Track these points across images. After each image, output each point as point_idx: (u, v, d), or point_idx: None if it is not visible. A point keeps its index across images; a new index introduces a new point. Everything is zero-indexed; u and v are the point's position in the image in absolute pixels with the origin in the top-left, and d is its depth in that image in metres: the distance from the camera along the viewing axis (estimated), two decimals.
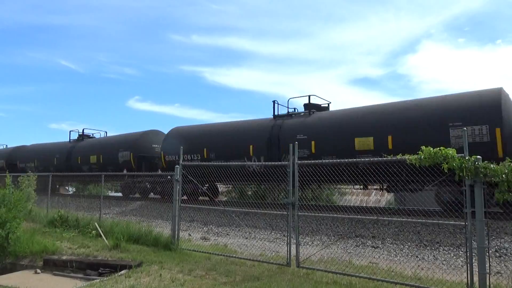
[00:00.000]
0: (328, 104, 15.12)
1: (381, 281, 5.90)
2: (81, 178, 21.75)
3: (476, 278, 5.09)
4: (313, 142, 12.85)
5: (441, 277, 6.07)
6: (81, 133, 24.47)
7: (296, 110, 15.23)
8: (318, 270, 6.62)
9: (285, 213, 7.49)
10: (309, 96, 14.75)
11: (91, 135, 24.77)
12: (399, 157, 5.89)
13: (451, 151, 5.27)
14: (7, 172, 11.73)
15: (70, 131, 24.81)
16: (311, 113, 14.22)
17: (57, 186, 25.91)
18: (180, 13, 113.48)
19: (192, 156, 16.25)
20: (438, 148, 5.37)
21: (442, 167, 5.29)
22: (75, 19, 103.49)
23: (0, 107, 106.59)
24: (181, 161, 9.16)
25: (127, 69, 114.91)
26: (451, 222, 6.45)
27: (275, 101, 15.11)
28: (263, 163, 11.00)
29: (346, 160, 7.05)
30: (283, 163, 7.54)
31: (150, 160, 19.36)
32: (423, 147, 5.54)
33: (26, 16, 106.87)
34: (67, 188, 28.60)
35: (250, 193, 18.81)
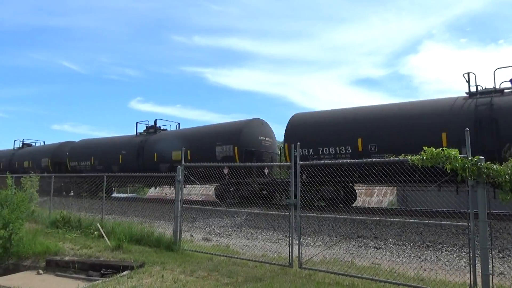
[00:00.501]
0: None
1: (383, 282, 5.88)
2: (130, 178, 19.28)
3: (479, 279, 5.07)
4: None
5: (443, 278, 6.05)
6: (152, 125, 20.62)
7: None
8: (320, 271, 6.61)
9: (287, 213, 7.49)
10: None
11: (160, 128, 20.89)
12: (401, 157, 5.87)
13: (454, 152, 5.25)
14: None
15: (136, 123, 21.09)
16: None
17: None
18: (181, 15, 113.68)
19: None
20: (441, 149, 5.35)
21: (445, 168, 5.28)
22: (77, 21, 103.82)
23: (3, 108, 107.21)
24: (182, 161, 9.16)
25: (129, 70, 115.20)
26: (453, 223, 6.43)
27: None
28: (265, 163, 11.01)
29: (348, 160, 7.04)
30: (285, 163, 7.53)
31: (258, 155, 15.86)
32: (425, 147, 5.52)
33: (28, 18, 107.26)
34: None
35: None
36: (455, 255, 7.98)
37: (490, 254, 5.15)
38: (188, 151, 18.21)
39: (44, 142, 29.13)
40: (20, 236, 9.14)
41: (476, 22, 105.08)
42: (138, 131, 20.91)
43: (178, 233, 8.80)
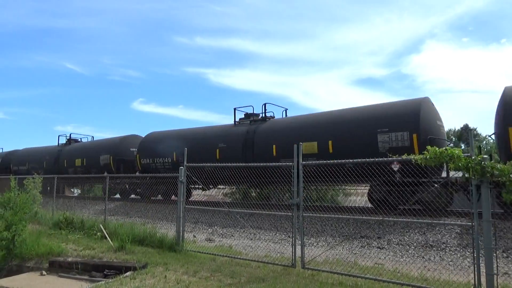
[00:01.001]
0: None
1: (387, 282, 5.86)
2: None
3: (483, 279, 5.04)
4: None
5: (447, 278, 6.01)
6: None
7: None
8: (323, 271, 6.59)
9: (289, 214, 7.47)
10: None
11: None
12: (404, 157, 5.85)
13: (457, 151, 5.22)
14: None
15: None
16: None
17: (64, 188, 26.72)
18: (183, 16, 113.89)
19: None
20: (444, 148, 5.33)
21: (449, 167, 5.24)
22: (79, 22, 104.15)
23: (7, 110, 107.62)
24: (185, 162, 9.16)
25: (131, 71, 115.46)
26: (457, 223, 6.41)
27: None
28: (267, 164, 10.97)
29: (351, 160, 7.01)
30: (287, 163, 7.52)
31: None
32: (428, 147, 5.49)
33: (31, 20, 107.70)
34: (72, 190, 28.77)
35: (254, 194, 18.78)
36: (459, 255, 7.94)
37: (495, 254, 5.12)
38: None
39: (92, 137, 27.04)
40: (23, 238, 9.16)
41: (478, 21, 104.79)
42: (236, 120, 17.26)
43: (181, 233, 8.79)
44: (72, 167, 23.01)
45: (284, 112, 16.89)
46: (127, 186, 19.81)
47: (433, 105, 12.32)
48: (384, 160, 6.68)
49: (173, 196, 15.32)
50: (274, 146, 14.21)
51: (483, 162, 5.02)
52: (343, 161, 7.28)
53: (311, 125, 13.80)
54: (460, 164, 5.12)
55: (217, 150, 15.86)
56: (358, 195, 21.72)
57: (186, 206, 9.18)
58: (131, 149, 20.95)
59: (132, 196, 19.64)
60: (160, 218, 13.77)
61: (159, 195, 17.17)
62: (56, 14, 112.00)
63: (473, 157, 5.13)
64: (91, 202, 17.94)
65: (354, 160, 6.86)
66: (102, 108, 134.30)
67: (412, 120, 11.15)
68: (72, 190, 28.53)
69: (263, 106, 16.22)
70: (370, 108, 12.89)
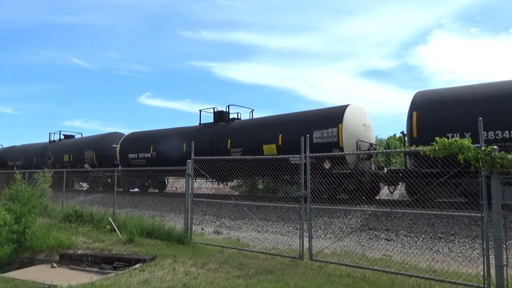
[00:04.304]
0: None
1: (395, 273, 5.85)
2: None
3: (492, 270, 5.00)
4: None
5: (456, 269, 5.99)
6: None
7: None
8: (331, 263, 6.59)
9: (297, 206, 7.47)
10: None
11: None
12: (413, 148, 5.79)
13: (466, 142, 5.16)
14: None
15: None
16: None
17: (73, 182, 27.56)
18: (189, 9, 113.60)
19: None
20: (453, 139, 5.26)
21: (458, 158, 5.19)
22: (85, 18, 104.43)
23: (16, 106, 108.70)
24: (192, 155, 9.17)
25: (138, 66, 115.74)
26: (466, 214, 6.34)
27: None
28: (276, 156, 10.98)
29: (358, 152, 6.97)
30: (295, 156, 7.50)
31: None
32: (437, 138, 5.43)
33: (38, 16, 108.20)
34: (81, 184, 29.10)
35: (261, 186, 18.79)
36: (467, 247, 7.89)
37: (504, 245, 5.08)
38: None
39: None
40: (34, 230, 9.29)
41: (486, 11, 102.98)
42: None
43: (189, 226, 8.84)
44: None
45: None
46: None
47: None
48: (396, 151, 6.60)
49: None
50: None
51: (493, 153, 4.96)
52: (351, 153, 7.23)
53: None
54: (469, 155, 5.06)
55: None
56: None
57: (194, 199, 9.21)
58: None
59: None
60: (168, 210, 13.87)
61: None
62: (63, 10, 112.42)
63: (482, 148, 5.07)
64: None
65: (363, 152, 6.82)
66: (109, 102, 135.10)
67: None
68: (82, 184, 28.80)
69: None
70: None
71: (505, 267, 4.93)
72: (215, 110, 17.68)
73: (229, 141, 15.68)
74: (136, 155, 19.85)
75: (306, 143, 7.14)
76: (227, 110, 17.47)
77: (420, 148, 5.57)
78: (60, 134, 27.07)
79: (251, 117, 17.84)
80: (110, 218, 10.72)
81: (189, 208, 8.87)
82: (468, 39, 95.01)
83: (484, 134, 5.64)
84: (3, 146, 34.09)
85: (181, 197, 12.73)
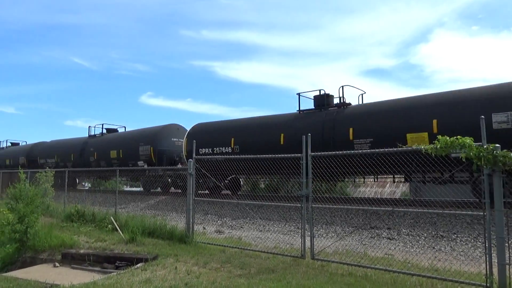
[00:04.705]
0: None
1: (397, 272, 5.84)
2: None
3: (495, 269, 4.99)
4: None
5: (458, 268, 5.97)
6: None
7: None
8: (333, 262, 6.59)
9: (298, 205, 7.46)
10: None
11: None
12: (415, 146, 5.78)
13: (468, 140, 5.14)
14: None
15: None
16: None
17: (77, 182, 26.38)
18: (190, 9, 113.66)
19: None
20: (455, 137, 5.24)
21: (460, 157, 5.17)
22: (87, 18, 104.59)
23: (18, 106, 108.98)
24: (194, 155, 9.18)
25: (139, 65, 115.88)
26: (468, 213, 6.31)
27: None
28: (277, 155, 10.99)
29: (361, 151, 6.96)
30: (296, 155, 7.49)
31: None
32: (439, 136, 5.41)
33: (39, 16, 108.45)
34: (83, 184, 28.91)
35: (262, 186, 18.82)
36: (470, 245, 7.88)
37: (507, 244, 5.06)
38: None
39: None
40: (36, 230, 9.31)
41: (488, 8, 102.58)
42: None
43: (191, 225, 8.85)
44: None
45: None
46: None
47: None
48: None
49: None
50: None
51: (495, 151, 4.94)
52: (353, 151, 7.21)
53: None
54: (471, 153, 5.04)
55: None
56: (367, 186, 21.65)
57: (196, 198, 9.22)
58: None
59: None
60: (169, 210, 13.88)
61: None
62: (64, 10, 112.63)
63: (484, 146, 5.05)
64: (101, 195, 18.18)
65: (363, 151, 6.80)
66: (111, 102, 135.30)
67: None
68: (83, 184, 28.74)
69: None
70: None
71: (507, 266, 4.91)
72: (323, 92, 14.27)
73: (351, 130, 12.30)
74: (210, 149, 16.23)
75: (307, 142, 7.12)
76: (341, 94, 13.80)
77: (422, 147, 5.56)
78: (102, 127, 23.78)
79: (360, 102, 14.28)
80: (112, 218, 10.74)
81: (190, 207, 8.87)
82: (469, 37, 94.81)
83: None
84: (27, 143, 31.97)
85: (182, 196, 12.73)
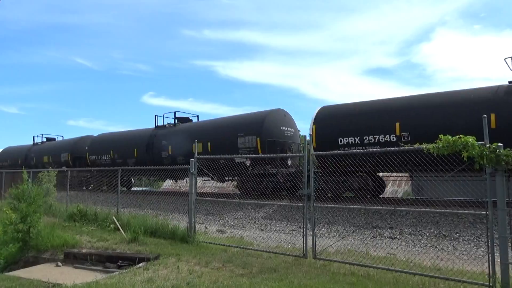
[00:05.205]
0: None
1: (399, 272, 5.82)
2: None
3: (497, 268, 4.97)
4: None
5: (461, 267, 5.95)
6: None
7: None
8: (335, 262, 6.58)
9: (300, 204, 7.45)
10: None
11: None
12: (416, 146, 5.77)
13: (471, 139, 5.12)
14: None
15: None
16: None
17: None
18: (191, 9, 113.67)
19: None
20: (458, 136, 5.22)
21: (462, 156, 5.15)
22: (89, 18, 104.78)
23: (20, 106, 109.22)
24: (195, 154, 9.18)
25: (141, 65, 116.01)
26: (471, 212, 6.29)
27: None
28: (279, 155, 10.92)
29: (361, 150, 6.95)
30: (298, 154, 7.48)
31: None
32: (441, 135, 5.39)
33: (42, 16, 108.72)
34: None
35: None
36: (472, 245, 7.85)
37: (510, 243, 5.04)
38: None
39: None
40: (39, 230, 9.34)
41: (490, 7, 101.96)
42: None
43: (193, 225, 8.85)
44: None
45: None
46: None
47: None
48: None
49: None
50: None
51: (497, 150, 4.92)
52: (354, 151, 7.20)
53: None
54: (474, 152, 5.02)
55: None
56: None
57: (197, 198, 9.22)
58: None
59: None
60: (171, 209, 13.89)
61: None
62: (66, 10, 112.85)
63: (487, 145, 5.03)
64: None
65: (366, 151, 6.77)
66: (113, 102, 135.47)
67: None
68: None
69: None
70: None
71: (510, 265, 4.89)
72: None
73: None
74: (352, 139, 11.62)
75: (310, 141, 7.11)
76: None
77: (424, 146, 5.54)
78: (175, 115, 19.78)
79: None
80: (114, 217, 10.75)
81: (192, 207, 8.88)
82: (472, 36, 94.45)
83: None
84: (63, 137, 28.93)
85: (184, 196, 12.74)
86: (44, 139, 28.88)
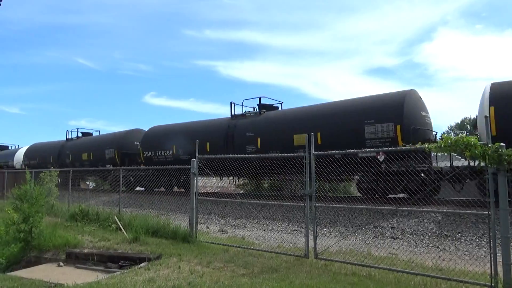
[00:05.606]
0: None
1: (401, 272, 5.81)
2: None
3: (500, 269, 4.95)
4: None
5: (463, 268, 5.94)
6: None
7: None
8: (336, 262, 6.57)
9: (302, 204, 7.45)
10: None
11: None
12: (418, 146, 5.75)
13: (473, 139, 5.11)
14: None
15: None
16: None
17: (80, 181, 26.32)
18: (193, 9, 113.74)
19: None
20: (459, 136, 5.21)
21: (465, 155, 5.13)
22: (90, 18, 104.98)
23: (22, 106, 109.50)
24: (197, 154, 9.18)
25: (142, 65, 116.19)
26: (473, 212, 6.28)
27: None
28: (280, 154, 10.91)
29: (362, 150, 6.92)
30: (299, 154, 7.46)
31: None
32: (442, 135, 5.37)
33: (44, 17, 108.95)
34: (87, 183, 28.81)
35: (266, 185, 18.79)
36: (474, 245, 7.83)
37: None
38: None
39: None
40: (41, 229, 9.35)
41: (492, 7, 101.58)
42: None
43: (194, 225, 8.85)
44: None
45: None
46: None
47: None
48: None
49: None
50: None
51: (500, 150, 4.90)
52: (354, 150, 7.19)
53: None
54: (476, 152, 5.00)
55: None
56: None
57: (199, 197, 9.22)
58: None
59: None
60: (173, 209, 13.90)
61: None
62: (68, 11, 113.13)
63: (489, 145, 5.01)
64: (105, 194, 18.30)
65: (366, 150, 6.77)
66: (114, 102, 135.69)
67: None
68: (87, 183, 28.75)
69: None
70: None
71: None
72: None
73: None
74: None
75: (311, 141, 7.10)
76: None
77: (426, 145, 5.53)
78: (259, 101, 16.49)
79: None
80: (115, 217, 10.77)
81: (194, 207, 8.88)
82: (473, 35, 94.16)
83: None
84: (100, 133, 26.32)
85: (186, 196, 12.76)
86: (80, 134, 26.16)
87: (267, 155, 12.68)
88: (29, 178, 10.31)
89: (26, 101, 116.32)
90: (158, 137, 19.08)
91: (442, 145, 5.33)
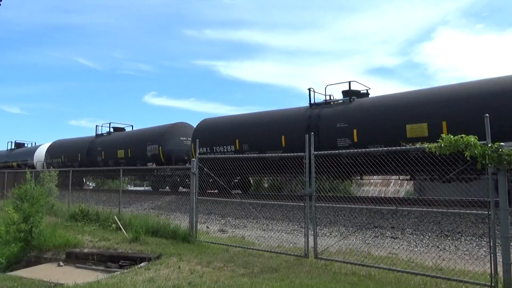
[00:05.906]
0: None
1: (401, 272, 5.81)
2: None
3: (500, 269, 4.95)
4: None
5: (463, 267, 5.93)
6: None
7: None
8: (336, 261, 6.57)
9: (302, 204, 7.45)
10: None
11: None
12: (418, 145, 5.75)
13: (473, 138, 5.10)
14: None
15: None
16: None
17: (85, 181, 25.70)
18: (193, 9, 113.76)
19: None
20: (460, 136, 5.20)
21: (465, 155, 5.13)
22: (91, 18, 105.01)
23: (22, 106, 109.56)
24: (197, 154, 9.18)
25: (142, 65, 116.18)
26: (473, 212, 6.27)
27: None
28: (280, 154, 10.83)
29: (363, 150, 6.93)
30: (299, 154, 7.46)
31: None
32: (443, 135, 5.38)
33: (44, 17, 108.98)
34: (88, 183, 28.62)
35: (266, 185, 18.80)
36: (474, 244, 7.82)
37: None
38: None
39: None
40: (41, 229, 9.36)
41: (492, 6, 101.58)
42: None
43: (194, 225, 8.85)
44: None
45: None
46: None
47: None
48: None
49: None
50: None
51: (500, 150, 4.90)
52: (355, 150, 7.18)
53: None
54: (476, 152, 5.00)
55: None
56: (371, 185, 21.59)
57: (199, 197, 9.21)
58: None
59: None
60: (173, 209, 13.90)
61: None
62: (68, 10, 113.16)
63: (489, 145, 5.01)
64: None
65: (367, 150, 6.76)
66: (115, 102, 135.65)
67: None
68: (88, 183, 28.65)
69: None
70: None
71: None
72: None
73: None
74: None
75: (310, 141, 7.09)
76: None
77: (426, 145, 5.52)
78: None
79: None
80: (115, 217, 10.77)
81: (194, 206, 8.88)
82: (474, 35, 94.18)
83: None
84: (125, 129, 24.20)
85: (186, 195, 12.75)
86: (111, 130, 23.79)
87: (267, 155, 12.68)
88: (29, 178, 10.32)
89: (27, 101, 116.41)
90: (214, 131, 16.59)
91: (442, 144, 5.33)
